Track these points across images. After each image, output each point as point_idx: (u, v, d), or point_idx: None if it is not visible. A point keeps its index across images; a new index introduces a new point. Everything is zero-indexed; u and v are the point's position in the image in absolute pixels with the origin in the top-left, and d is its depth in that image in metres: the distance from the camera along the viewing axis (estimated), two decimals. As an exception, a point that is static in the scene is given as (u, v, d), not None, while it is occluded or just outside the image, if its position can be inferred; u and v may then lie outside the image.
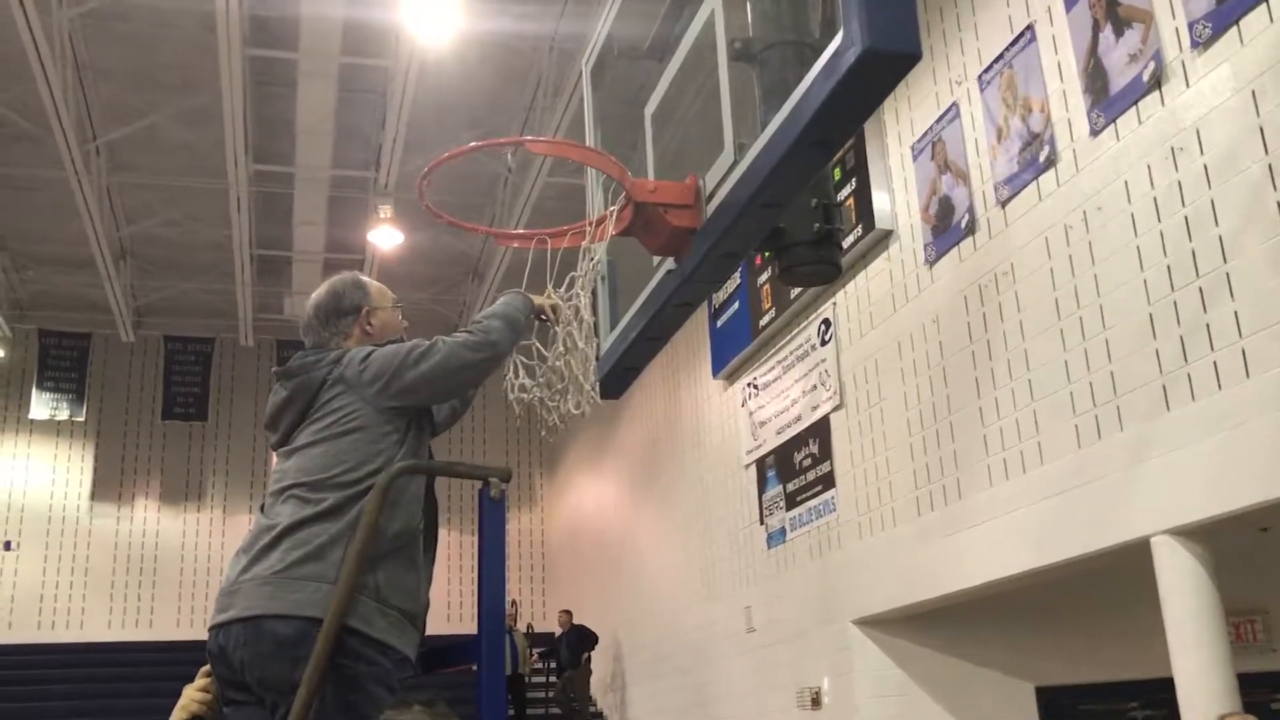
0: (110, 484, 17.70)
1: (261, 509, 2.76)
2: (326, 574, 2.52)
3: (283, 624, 2.48)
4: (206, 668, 2.73)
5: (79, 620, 17.06)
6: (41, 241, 15.12)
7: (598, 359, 3.32)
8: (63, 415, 17.16)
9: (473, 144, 3.20)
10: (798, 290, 9.67)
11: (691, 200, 2.97)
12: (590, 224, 3.14)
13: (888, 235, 8.51)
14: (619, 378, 3.65)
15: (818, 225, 2.99)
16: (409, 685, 2.67)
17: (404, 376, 2.70)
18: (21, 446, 17.55)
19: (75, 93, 11.24)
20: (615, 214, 3.03)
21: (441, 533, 2.92)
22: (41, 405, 17.00)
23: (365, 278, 3.01)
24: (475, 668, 2.70)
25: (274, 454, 2.88)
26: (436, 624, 2.89)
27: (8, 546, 16.95)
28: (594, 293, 3.34)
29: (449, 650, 2.89)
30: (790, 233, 3.03)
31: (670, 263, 3.20)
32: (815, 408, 9.48)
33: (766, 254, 9.86)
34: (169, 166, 13.20)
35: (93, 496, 17.61)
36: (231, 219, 13.33)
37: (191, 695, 2.72)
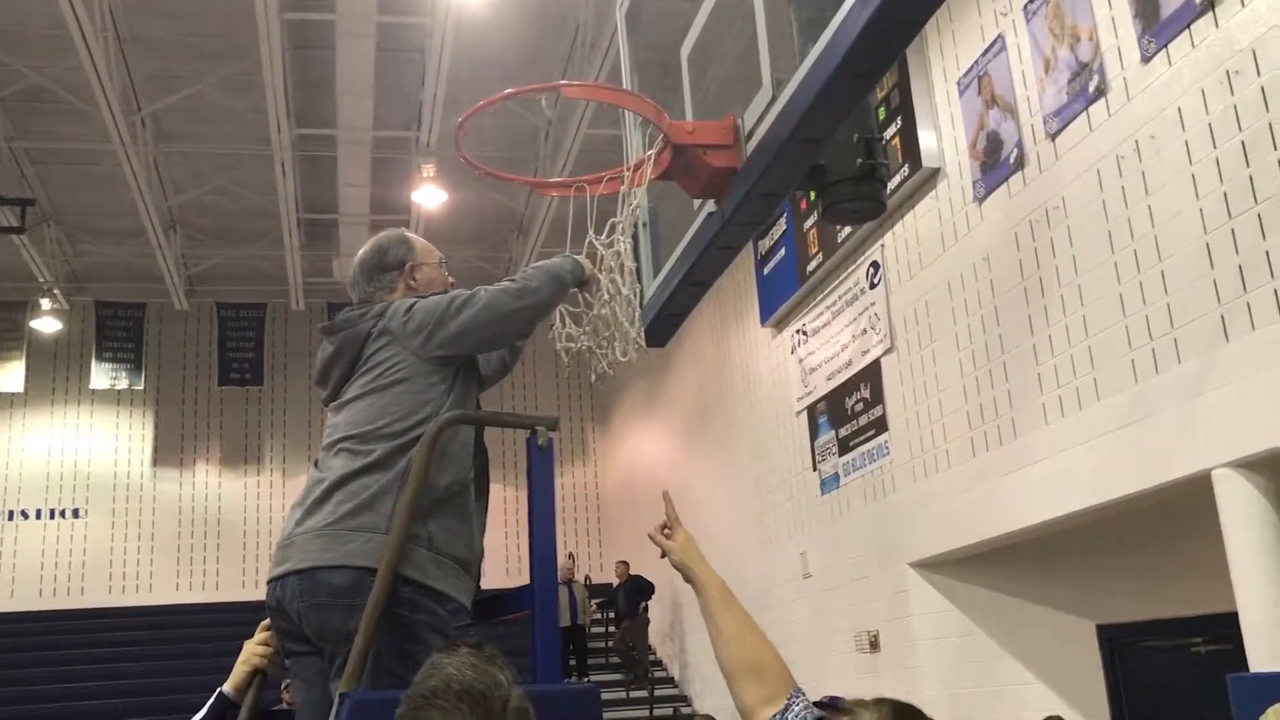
0: (171, 450, 18.03)
1: (315, 464, 2.79)
2: (378, 525, 2.54)
3: (337, 574, 2.51)
4: (266, 622, 2.77)
5: (147, 584, 17.46)
6: (93, 214, 15.32)
7: (641, 306, 3.29)
8: (122, 384, 17.45)
9: (508, 90, 3.17)
10: (845, 234, 9.57)
11: (730, 140, 2.93)
12: (629, 169, 3.10)
13: (935, 174, 8.38)
14: (664, 325, 3.63)
15: (860, 160, 2.93)
16: (464, 634, 2.69)
17: (447, 325, 2.71)
18: (84, 416, 17.91)
19: (118, 65, 11.32)
20: (654, 157, 2.99)
21: (496, 488, 2.94)
22: (101, 375, 17.29)
23: (410, 234, 3.02)
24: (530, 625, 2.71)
25: (327, 409, 2.90)
26: (493, 578, 2.92)
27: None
28: (635, 239, 3.31)
29: (504, 599, 2.91)
30: (832, 170, 2.97)
31: (711, 206, 3.16)
32: (866, 352, 9.41)
33: (811, 195, 9.75)
34: (214, 134, 13.28)
35: (155, 463, 17.96)
36: (277, 184, 13.41)
37: (252, 649, 2.76)
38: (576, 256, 2.97)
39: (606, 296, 2.97)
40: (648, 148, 3.14)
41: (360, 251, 2.97)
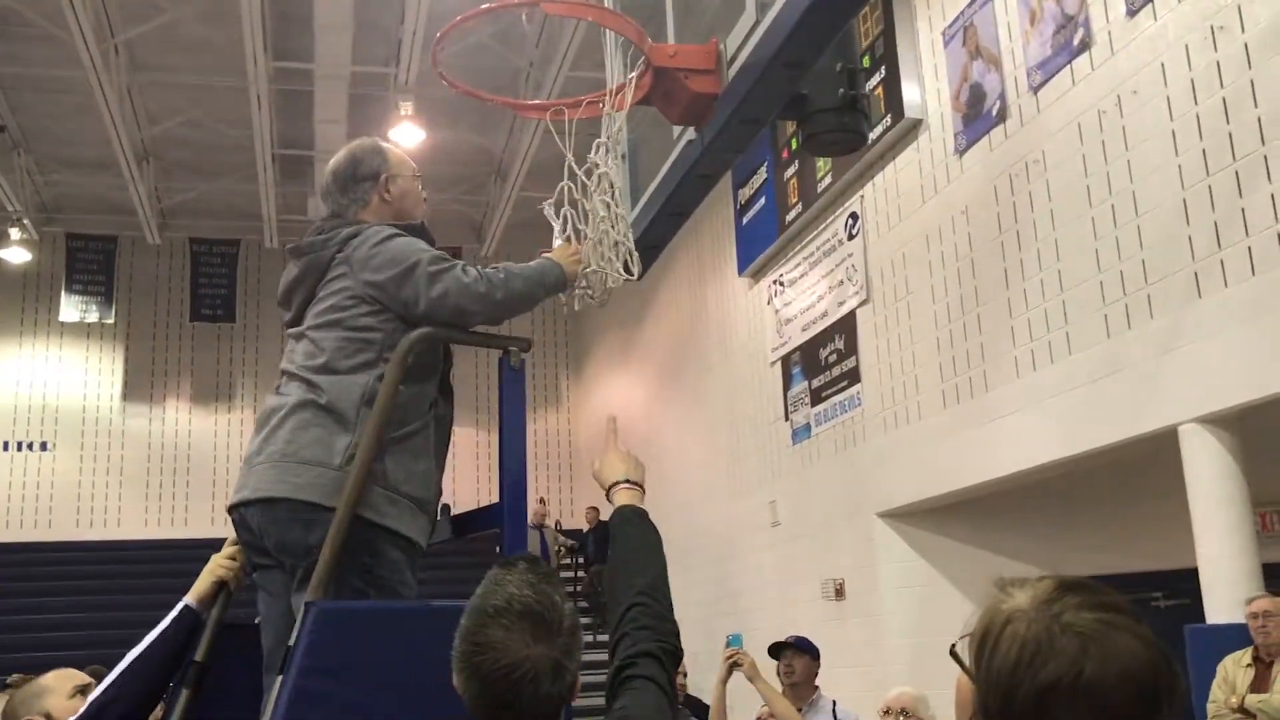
0: (141, 385, 17.89)
1: (276, 388, 2.75)
2: (330, 460, 2.51)
3: (292, 501, 2.50)
4: (233, 537, 2.76)
5: (116, 519, 17.39)
6: (65, 144, 15.07)
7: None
8: (92, 318, 17.28)
9: (486, 5, 3.11)
10: (825, 184, 9.55)
11: (712, 64, 2.89)
12: (609, 93, 3.06)
13: (917, 125, 8.35)
14: (642, 256, 3.58)
15: (842, 91, 2.90)
16: (432, 551, 2.69)
17: (404, 285, 2.63)
18: (54, 349, 17.72)
19: (91, -12, 11.09)
20: (635, 81, 2.95)
21: (469, 430, 2.91)
22: (71, 308, 17.11)
23: (385, 143, 2.93)
24: (498, 548, 2.71)
25: (287, 332, 2.84)
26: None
27: None
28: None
29: (474, 517, 2.92)
30: (814, 100, 2.94)
31: (690, 134, 3.13)
32: (841, 303, 9.42)
33: (793, 142, 9.69)
34: (189, 65, 13.06)
35: (124, 397, 17.81)
36: (252, 118, 13.22)
37: (218, 561, 2.76)
38: (564, 271, 2.86)
39: (603, 214, 2.93)
40: (629, 71, 3.10)
41: (333, 160, 2.87)
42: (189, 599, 2.70)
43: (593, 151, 2.97)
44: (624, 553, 2.09)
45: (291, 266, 2.81)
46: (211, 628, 2.67)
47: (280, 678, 2.24)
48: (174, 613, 2.68)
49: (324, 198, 2.88)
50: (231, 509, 2.65)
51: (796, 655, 5.36)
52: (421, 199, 2.93)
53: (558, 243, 2.97)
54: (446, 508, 3.08)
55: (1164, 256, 6.04)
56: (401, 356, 2.55)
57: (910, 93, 8.33)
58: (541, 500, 16.58)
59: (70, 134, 14.65)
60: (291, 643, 2.25)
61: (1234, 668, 5.66)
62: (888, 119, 8.46)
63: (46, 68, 12.87)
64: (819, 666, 5.44)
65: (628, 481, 2.25)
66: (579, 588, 15.39)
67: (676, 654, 1.93)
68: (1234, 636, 5.69)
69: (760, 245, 10.94)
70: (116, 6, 11.84)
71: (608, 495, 2.25)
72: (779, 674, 5.38)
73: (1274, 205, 5.41)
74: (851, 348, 9.24)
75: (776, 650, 5.46)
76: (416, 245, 2.70)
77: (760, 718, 5.15)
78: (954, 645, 1.29)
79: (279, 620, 2.58)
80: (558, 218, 2.97)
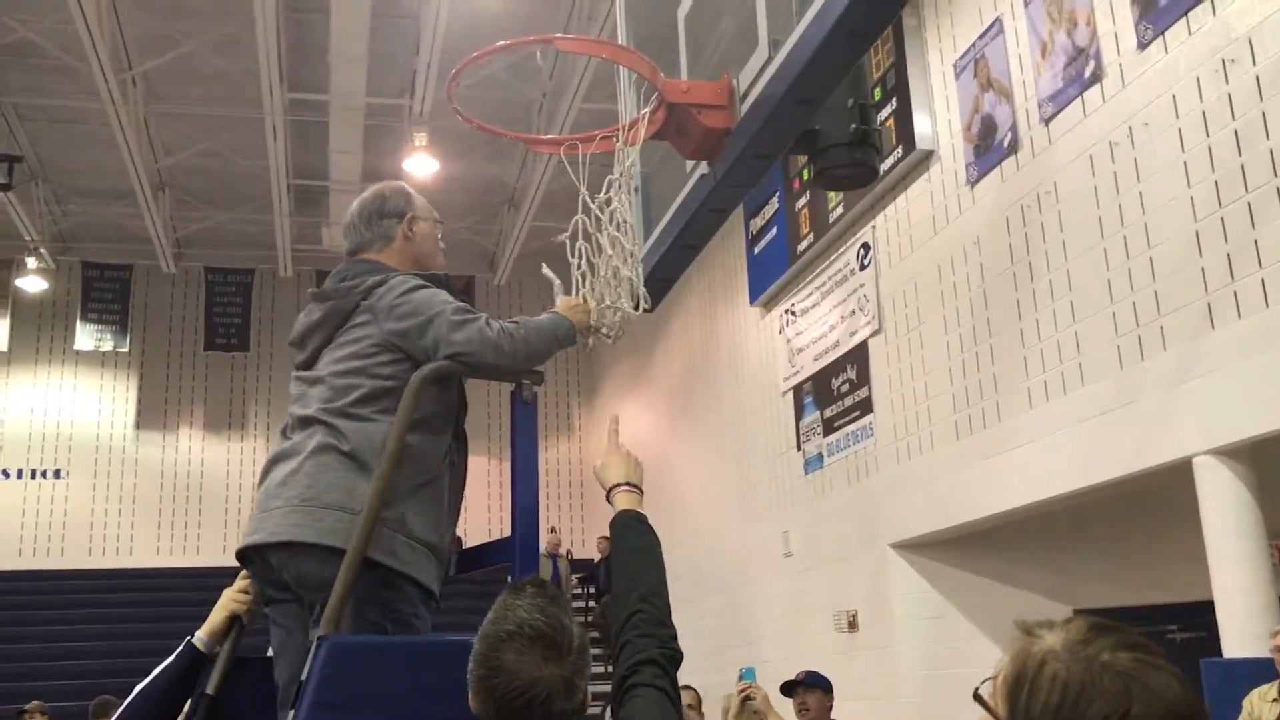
0: (155, 413, 17.95)
1: (284, 431, 2.74)
2: (352, 505, 2.51)
3: (313, 545, 2.50)
4: (246, 571, 2.76)
5: (128, 547, 17.41)
6: (81, 173, 15.21)
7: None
8: (107, 346, 17.37)
9: (502, 43, 3.14)
10: (836, 215, 9.57)
11: (725, 100, 2.91)
12: (622, 128, 3.08)
13: (928, 156, 8.37)
14: (654, 289, 3.60)
15: (854, 126, 2.92)
16: (445, 582, 2.68)
17: (425, 333, 2.64)
18: (68, 377, 17.81)
19: (109, 21, 11.21)
20: (648, 116, 2.97)
21: (484, 459, 2.91)
22: (86, 336, 17.21)
23: (411, 189, 2.97)
24: (508, 578, 2.71)
25: (295, 372, 2.84)
26: (477, 542, 2.91)
27: None
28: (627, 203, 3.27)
29: (485, 550, 2.92)
30: (826, 135, 2.96)
31: (703, 168, 3.15)
32: (854, 333, 9.42)
33: (805, 173, 9.73)
34: (205, 96, 13.19)
35: (138, 426, 17.86)
36: (268, 148, 13.32)
37: (231, 595, 2.75)
38: (574, 325, 2.86)
39: (611, 251, 2.94)
40: (642, 106, 3.12)
41: (360, 197, 2.91)
42: (200, 633, 2.70)
43: (604, 188, 2.98)
44: (625, 558, 2.18)
45: (313, 309, 2.81)
46: (223, 661, 2.67)
47: (292, 712, 2.23)
48: (179, 649, 2.69)
49: (347, 233, 2.89)
50: (245, 551, 2.64)
51: (809, 692, 5.32)
52: (440, 247, 2.94)
53: (559, 298, 2.98)
54: (459, 540, 3.08)
55: (1177, 288, 6.03)
56: (415, 390, 2.55)
57: (922, 124, 8.36)
58: (553, 529, 16.57)
59: (87, 164, 14.79)
60: (304, 677, 2.25)
61: (1260, 703, 5.58)
62: (899, 150, 8.48)
63: (64, 98, 13.02)
64: (833, 699, 5.40)
65: (628, 484, 2.33)
66: (589, 618, 15.34)
67: (677, 658, 2.00)
68: (1251, 670, 5.64)
69: (772, 275, 10.96)
70: (134, 38, 11.98)
71: (608, 497, 2.32)
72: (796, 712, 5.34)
73: (1287, 237, 5.40)
74: (864, 378, 9.23)
75: (789, 689, 5.41)
76: (440, 296, 2.72)
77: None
78: (977, 689, 1.27)
79: (294, 655, 2.57)
80: (573, 254, 2.98)
